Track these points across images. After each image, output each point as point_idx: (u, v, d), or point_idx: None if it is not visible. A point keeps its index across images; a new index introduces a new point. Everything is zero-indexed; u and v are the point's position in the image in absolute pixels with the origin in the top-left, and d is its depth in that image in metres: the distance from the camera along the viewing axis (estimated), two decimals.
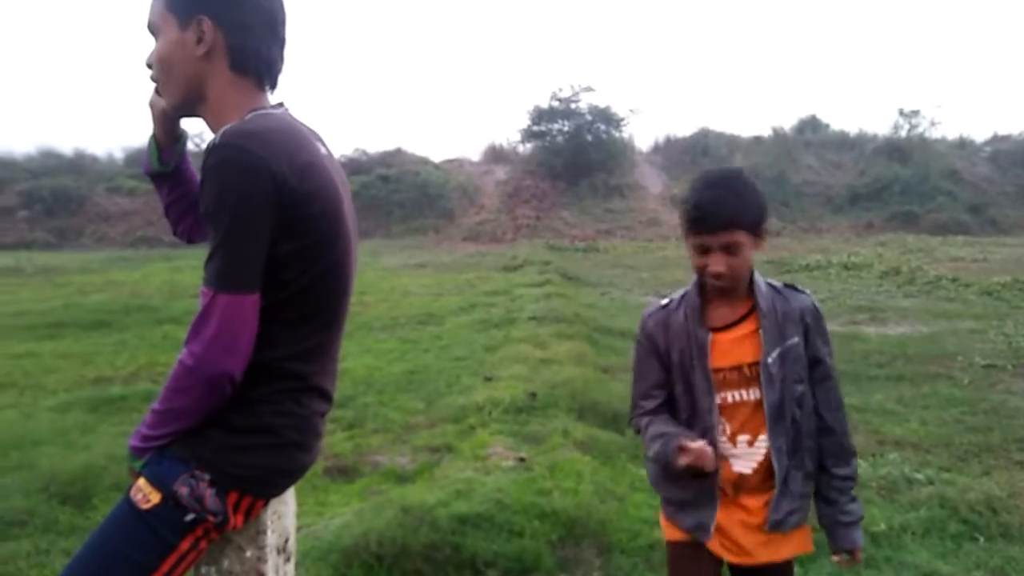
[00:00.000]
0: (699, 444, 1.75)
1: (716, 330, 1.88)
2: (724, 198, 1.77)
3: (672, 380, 1.94)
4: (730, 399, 1.87)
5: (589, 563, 3.25)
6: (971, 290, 11.61)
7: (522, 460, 4.23)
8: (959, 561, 3.28)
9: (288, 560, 1.73)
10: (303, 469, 1.65)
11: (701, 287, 1.91)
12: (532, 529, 3.33)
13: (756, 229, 1.80)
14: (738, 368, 1.86)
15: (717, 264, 1.79)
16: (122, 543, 1.48)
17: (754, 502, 1.88)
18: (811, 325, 1.89)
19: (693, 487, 1.89)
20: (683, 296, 1.95)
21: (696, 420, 1.89)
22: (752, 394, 1.85)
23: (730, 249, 1.78)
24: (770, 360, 1.83)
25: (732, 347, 1.87)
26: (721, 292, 1.87)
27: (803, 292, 1.93)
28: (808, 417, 1.87)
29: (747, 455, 1.87)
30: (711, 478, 1.85)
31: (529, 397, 5.52)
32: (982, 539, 3.47)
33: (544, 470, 3.99)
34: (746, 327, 1.87)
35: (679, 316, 1.92)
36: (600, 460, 4.34)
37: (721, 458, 1.86)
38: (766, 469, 1.86)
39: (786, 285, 1.94)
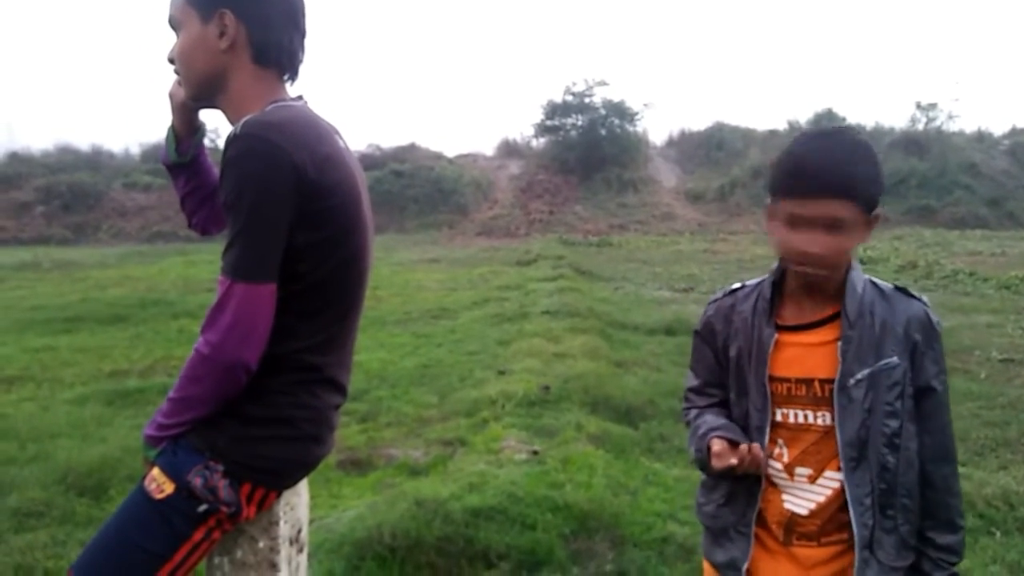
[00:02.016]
0: (742, 447, 1.45)
1: (787, 329, 1.52)
2: (836, 155, 1.37)
3: (727, 382, 1.61)
4: (792, 419, 1.51)
5: (602, 556, 3.24)
6: (989, 284, 11.49)
7: (535, 453, 4.23)
8: (976, 556, 3.25)
9: (301, 551, 1.74)
10: (317, 461, 1.65)
11: (781, 275, 1.54)
12: (545, 522, 3.33)
13: (870, 206, 1.40)
14: (807, 382, 1.49)
15: (811, 243, 1.39)
16: (135, 533, 1.49)
17: (809, 554, 1.51)
18: (920, 343, 1.47)
19: (731, 516, 1.58)
20: (759, 283, 1.60)
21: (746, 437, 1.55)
22: (823, 419, 1.48)
23: (833, 225, 1.38)
24: (852, 382, 1.45)
25: (804, 354, 1.50)
26: (808, 285, 1.49)
27: (917, 299, 1.51)
28: (907, 465, 1.47)
29: (805, 492, 1.51)
30: (747, 505, 1.55)
31: (542, 391, 5.52)
32: (999, 533, 3.45)
33: (557, 463, 3.99)
34: (827, 333, 1.49)
35: (747, 306, 1.57)
36: (613, 454, 4.34)
37: (775, 488, 1.54)
38: (829, 515, 1.49)
39: (897, 288, 1.52)
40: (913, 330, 1.47)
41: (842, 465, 1.46)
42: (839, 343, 1.46)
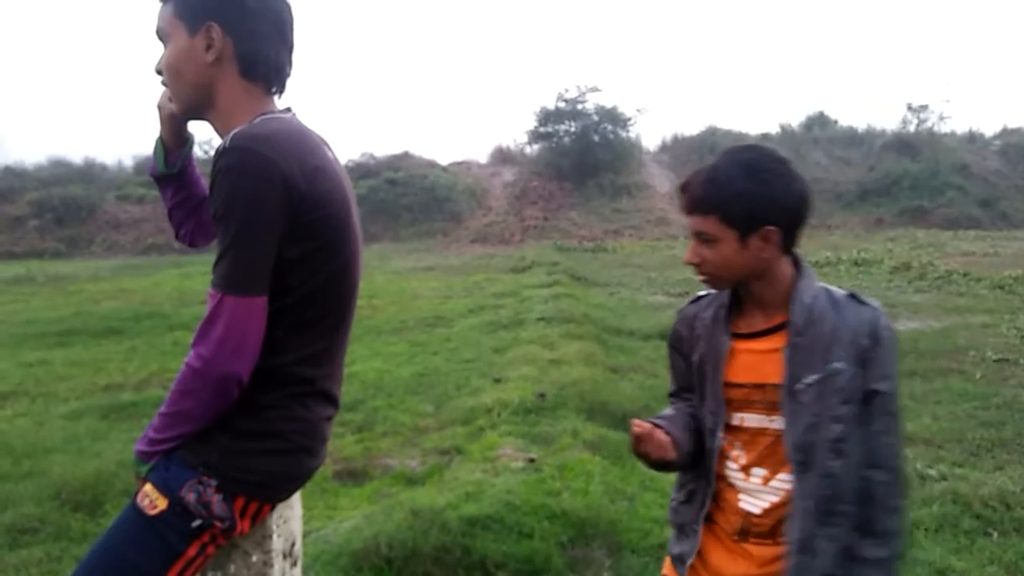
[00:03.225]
0: (635, 428, 1.54)
1: (741, 337, 1.58)
2: (712, 174, 1.51)
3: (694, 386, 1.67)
4: (748, 423, 1.57)
5: (599, 563, 3.24)
6: (982, 284, 11.53)
7: (532, 461, 4.23)
8: (972, 557, 3.25)
9: (295, 564, 1.73)
10: (310, 473, 1.65)
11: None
12: (542, 530, 3.32)
13: (745, 222, 1.48)
14: (761, 387, 1.54)
15: (691, 254, 1.56)
16: (128, 549, 1.49)
17: (764, 552, 1.55)
18: (868, 347, 1.48)
19: (688, 514, 1.66)
20: (720, 292, 1.67)
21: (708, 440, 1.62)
22: (776, 423, 1.53)
23: (703, 239, 1.52)
24: (800, 386, 1.49)
25: (758, 360, 1.55)
26: (751, 294, 1.58)
27: (868, 304, 1.53)
28: (850, 470, 1.48)
29: (760, 493, 1.56)
30: (701, 505, 1.62)
31: (538, 398, 5.51)
32: (996, 534, 3.45)
33: (554, 471, 3.99)
34: (776, 340, 1.54)
35: (708, 314, 1.65)
36: (610, 460, 4.33)
37: (732, 488, 1.60)
38: (783, 516, 1.53)
39: (850, 295, 1.55)
40: (861, 336, 1.49)
41: (793, 473, 1.50)
42: (785, 350, 1.51)
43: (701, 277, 1.58)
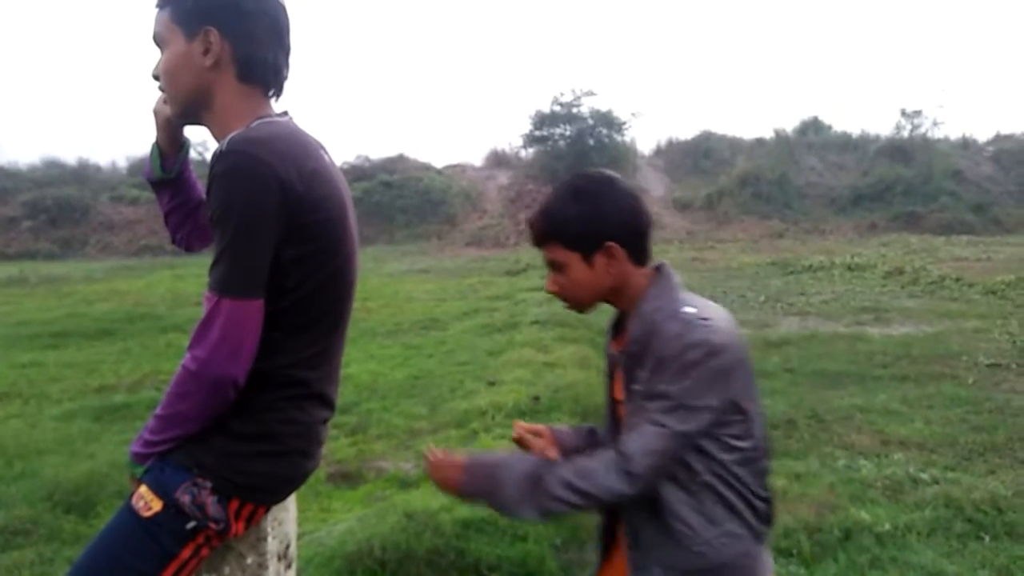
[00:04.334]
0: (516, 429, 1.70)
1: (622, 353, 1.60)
2: (543, 207, 1.59)
3: None
4: None
5: (593, 566, 3.24)
6: (975, 289, 11.56)
7: None
8: (964, 560, 3.26)
9: (289, 566, 1.73)
10: (305, 476, 1.65)
11: None
12: (536, 533, 3.33)
13: (577, 245, 1.54)
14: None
15: (548, 283, 1.62)
16: (123, 551, 1.49)
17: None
18: (657, 359, 1.46)
19: (600, 530, 1.75)
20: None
21: None
22: None
23: (552, 267, 1.60)
24: (621, 400, 1.58)
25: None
26: (576, 311, 1.67)
27: (681, 318, 1.48)
28: (673, 486, 1.49)
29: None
30: (605, 522, 1.69)
31: (532, 401, 5.52)
32: (987, 538, 3.46)
33: None
34: None
35: (608, 333, 1.71)
36: None
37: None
38: None
39: (684, 309, 1.51)
40: (657, 348, 1.47)
41: None
42: (622, 360, 1.58)
43: (564, 304, 1.65)
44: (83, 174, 25.60)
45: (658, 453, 1.44)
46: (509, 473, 1.52)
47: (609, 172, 1.62)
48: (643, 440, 1.45)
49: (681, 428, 1.43)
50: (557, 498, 1.46)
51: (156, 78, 1.64)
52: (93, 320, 10.45)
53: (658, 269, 1.61)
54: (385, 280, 14.83)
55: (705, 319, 1.49)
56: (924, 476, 4.15)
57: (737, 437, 1.49)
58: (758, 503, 1.53)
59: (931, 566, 3.19)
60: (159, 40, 1.61)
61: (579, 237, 1.54)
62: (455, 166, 28.24)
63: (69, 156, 26.47)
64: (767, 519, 1.56)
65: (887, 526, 3.49)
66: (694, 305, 1.53)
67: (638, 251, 1.58)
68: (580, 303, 1.63)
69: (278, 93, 1.65)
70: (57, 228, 22.62)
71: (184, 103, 1.62)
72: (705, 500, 1.48)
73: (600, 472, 1.46)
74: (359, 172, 24.82)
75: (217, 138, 1.56)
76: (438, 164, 27.58)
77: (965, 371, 6.72)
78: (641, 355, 1.50)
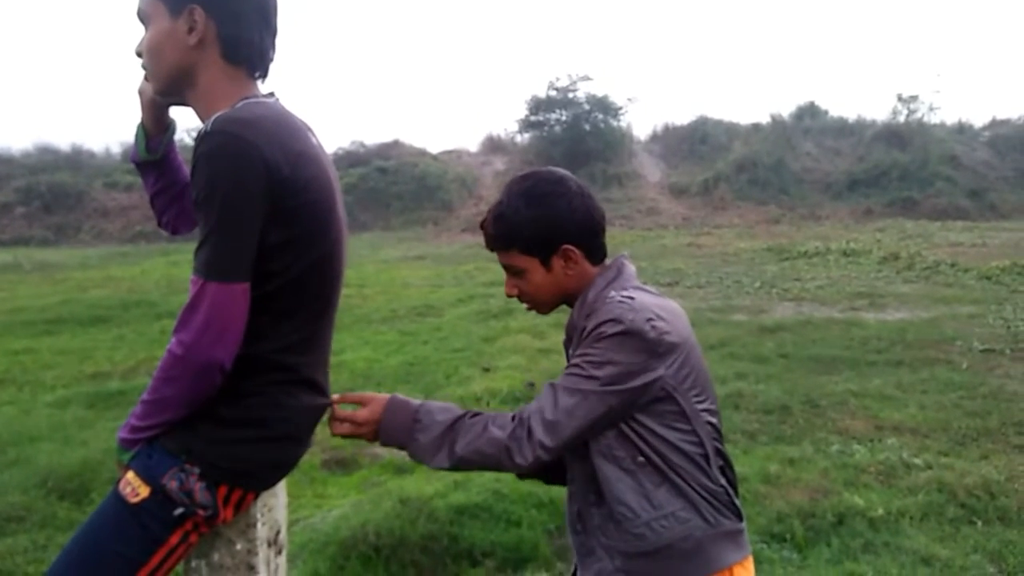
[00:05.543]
0: None
1: None
2: (492, 213, 1.58)
3: None
4: None
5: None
6: (970, 275, 11.59)
7: None
8: (957, 545, 3.28)
9: (279, 553, 1.72)
10: (294, 462, 1.64)
11: None
12: (529, 518, 3.33)
13: (535, 250, 1.55)
14: None
15: (508, 287, 1.64)
16: (110, 538, 1.48)
17: None
18: (581, 336, 1.52)
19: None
20: None
21: None
22: None
23: (510, 271, 1.60)
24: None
25: None
26: (537, 312, 1.68)
27: (613, 300, 1.51)
28: (575, 457, 1.55)
29: None
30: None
31: (527, 387, 5.53)
32: (980, 523, 3.48)
33: None
34: None
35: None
36: None
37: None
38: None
39: (621, 294, 1.52)
40: (589, 327, 1.50)
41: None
42: (566, 346, 1.63)
43: (525, 306, 1.65)
44: (77, 160, 25.46)
45: (550, 412, 1.46)
46: (429, 420, 1.56)
47: (560, 171, 1.61)
48: (537, 403, 1.49)
49: (579, 388, 1.45)
50: (461, 457, 1.51)
51: (139, 55, 1.61)
52: (87, 307, 10.41)
53: (613, 262, 1.61)
54: (380, 266, 14.80)
55: (632, 298, 1.50)
56: (917, 461, 4.16)
57: (676, 419, 1.47)
58: (714, 487, 1.49)
59: (924, 551, 3.20)
60: (143, 16, 1.58)
61: (535, 243, 1.54)
62: (451, 152, 28.15)
63: (63, 142, 26.24)
64: (729, 507, 1.52)
65: (880, 511, 3.50)
66: (633, 294, 1.52)
67: (594, 250, 1.59)
68: (541, 306, 1.65)
69: (264, 74, 1.63)
70: (51, 214, 22.52)
71: (167, 81, 1.59)
72: (645, 482, 1.47)
73: (497, 435, 1.50)
74: (354, 158, 24.73)
75: (202, 118, 1.54)
76: (434, 150, 27.49)
77: (959, 356, 6.74)
78: (574, 336, 1.55)
